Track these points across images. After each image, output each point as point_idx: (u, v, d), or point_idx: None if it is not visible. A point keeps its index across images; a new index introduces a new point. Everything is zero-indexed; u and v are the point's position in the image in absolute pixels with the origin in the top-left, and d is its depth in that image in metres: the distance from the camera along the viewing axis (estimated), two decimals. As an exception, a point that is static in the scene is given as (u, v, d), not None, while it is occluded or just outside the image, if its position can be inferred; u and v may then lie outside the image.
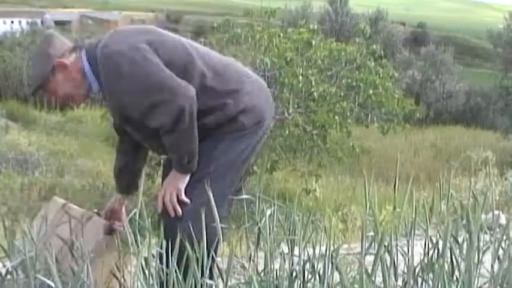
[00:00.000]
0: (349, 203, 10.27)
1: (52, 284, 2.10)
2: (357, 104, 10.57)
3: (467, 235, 2.32)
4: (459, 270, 2.35)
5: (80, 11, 74.80)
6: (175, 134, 2.89)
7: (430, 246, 2.44)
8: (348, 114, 10.12)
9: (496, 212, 3.51)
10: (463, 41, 73.35)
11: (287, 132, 9.77)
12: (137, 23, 42.67)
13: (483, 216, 3.75)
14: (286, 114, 9.75)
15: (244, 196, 2.85)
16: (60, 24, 48.86)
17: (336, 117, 9.76)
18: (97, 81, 2.98)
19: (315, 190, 10.57)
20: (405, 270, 2.29)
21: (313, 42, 10.42)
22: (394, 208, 2.62)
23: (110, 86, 2.93)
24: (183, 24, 71.60)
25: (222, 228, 2.46)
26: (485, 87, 31.51)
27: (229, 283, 2.20)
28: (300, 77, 9.64)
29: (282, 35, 10.61)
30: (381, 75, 10.83)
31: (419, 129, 24.54)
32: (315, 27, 11.10)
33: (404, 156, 18.41)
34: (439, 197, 2.91)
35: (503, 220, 3.85)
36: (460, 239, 2.45)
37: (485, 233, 2.60)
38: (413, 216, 2.53)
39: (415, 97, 29.38)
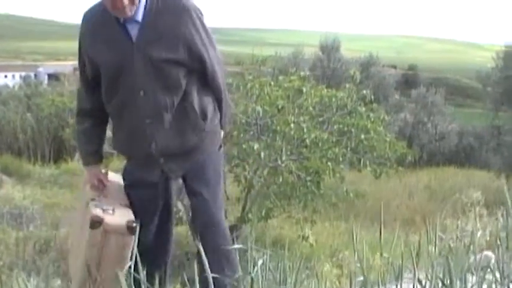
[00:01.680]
0: (344, 248, 10.27)
1: None
2: (349, 149, 10.64)
3: (449, 277, 2.37)
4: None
5: (74, 63, 75.08)
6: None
7: (419, 289, 2.49)
8: (341, 159, 10.18)
9: (487, 253, 3.57)
10: (454, 82, 73.93)
11: (281, 179, 9.82)
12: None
13: (473, 257, 3.81)
14: (279, 162, 9.81)
15: (237, 246, 2.90)
16: (53, 76, 49.04)
17: (329, 163, 9.82)
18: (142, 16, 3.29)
19: (310, 236, 10.58)
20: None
21: (304, 90, 10.52)
22: (381, 254, 2.68)
23: (181, 28, 3.32)
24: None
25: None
26: (477, 127, 31.68)
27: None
28: (292, 125, 9.72)
29: (273, 83, 10.71)
30: (372, 120, 10.92)
31: (413, 171, 24.60)
32: (306, 74, 11.23)
33: (399, 199, 18.43)
34: (427, 240, 2.98)
35: (493, 261, 3.89)
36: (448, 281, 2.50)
37: (472, 274, 2.65)
38: (402, 260, 2.58)
39: (408, 139, 29.51)
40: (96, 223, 3.21)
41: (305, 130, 9.83)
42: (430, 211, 15.74)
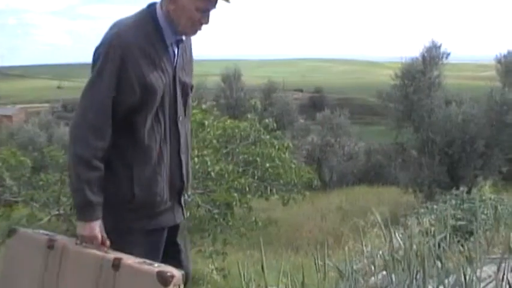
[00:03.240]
0: (258, 278, 10.27)
1: None
2: (256, 178, 10.71)
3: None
4: None
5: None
6: None
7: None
8: (247, 189, 10.23)
9: (385, 273, 3.64)
10: (360, 101, 75.56)
11: (188, 214, 9.79)
12: (33, 116, 41.97)
13: (372, 278, 3.88)
14: (185, 196, 9.77)
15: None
16: None
17: (235, 194, 9.86)
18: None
19: (223, 269, 10.56)
20: None
21: (206, 123, 10.54)
22: (266, 286, 2.70)
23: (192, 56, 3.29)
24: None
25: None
26: (385, 144, 32.23)
27: None
28: (196, 159, 9.72)
29: (175, 118, 10.70)
30: (277, 147, 11.04)
31: (324, 193, 24.93)
32: (211, 105, 11.30)
33: (312, 222, 18.63)
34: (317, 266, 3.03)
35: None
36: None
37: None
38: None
39: (317, 162, 29.93)
40: (169, 278, 2.98)
41: (209, 163, 9.84)
42: (343, 232, 15.97)
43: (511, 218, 5.37)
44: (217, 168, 9.93)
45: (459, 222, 6.07)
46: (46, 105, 75.29)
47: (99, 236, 2.95)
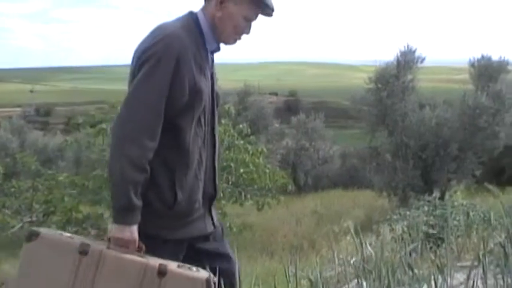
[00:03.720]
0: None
1: None
2: (230, 183, 10.71)
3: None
4: None
5: None
6: None
7: None
8: (222, 195, 10.23)
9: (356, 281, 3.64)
10: (335, 105, 75.88)
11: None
12: (4, 120, 41.52)
13: (344, 286, 3.89)
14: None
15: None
16: None
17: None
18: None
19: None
20: None
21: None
22: None
23: None
24: (54, 117, 70.72)
25: None
26: (360, 147, 32.16)
27: None
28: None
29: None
30: (251, 152, 11.05)
31: (298, 197, 24.94)
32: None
33: (287, 227, 18.58)
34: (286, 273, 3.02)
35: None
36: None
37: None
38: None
39: (292, 166, 29.95)
40: (214, 284, 2.84)
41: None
42: (318, 237, 15.99)
43: (482, 224, 5.41)
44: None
45: (431, 230, 6.10)
46: (18, 109, 74.68)
47: (137, 240, 2.81)
